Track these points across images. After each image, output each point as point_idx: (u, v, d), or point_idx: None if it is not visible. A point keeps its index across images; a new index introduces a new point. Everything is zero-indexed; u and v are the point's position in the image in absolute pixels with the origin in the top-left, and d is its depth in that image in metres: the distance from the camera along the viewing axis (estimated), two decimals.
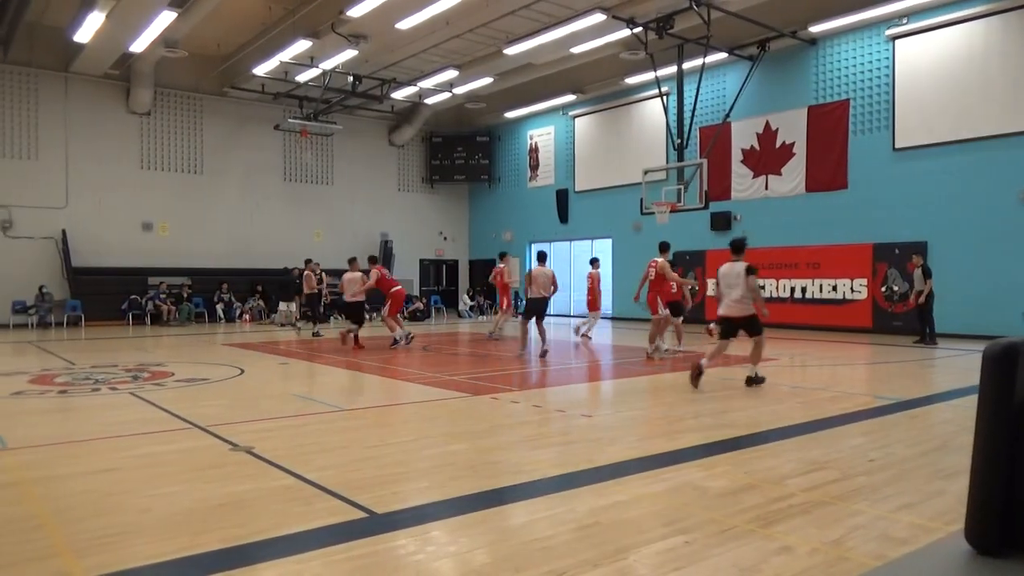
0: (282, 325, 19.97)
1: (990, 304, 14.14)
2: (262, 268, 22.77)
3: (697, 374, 8.22)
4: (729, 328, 8.60)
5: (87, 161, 20.69)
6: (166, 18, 15.58)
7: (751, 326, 8.58)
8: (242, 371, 10.29)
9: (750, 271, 8.43)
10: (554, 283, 12.18)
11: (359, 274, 14.11)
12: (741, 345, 12.24)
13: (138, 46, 17.48)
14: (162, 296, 20.58)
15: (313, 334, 16.26)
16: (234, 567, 3.25)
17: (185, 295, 21.05)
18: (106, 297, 20.16)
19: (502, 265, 16.38)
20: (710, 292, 18.47)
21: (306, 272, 17.01)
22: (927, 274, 13.51)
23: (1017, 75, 14.17)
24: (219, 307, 21.47)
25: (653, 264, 12.13)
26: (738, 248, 8.75)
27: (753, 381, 8.47)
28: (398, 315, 14.47)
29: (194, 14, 16.45)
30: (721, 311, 8.68)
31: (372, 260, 14.71)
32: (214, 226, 22.74)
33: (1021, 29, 14.15)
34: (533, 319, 12.18)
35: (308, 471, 4.80)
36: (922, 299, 13.44)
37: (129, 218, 21.37)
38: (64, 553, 3.40)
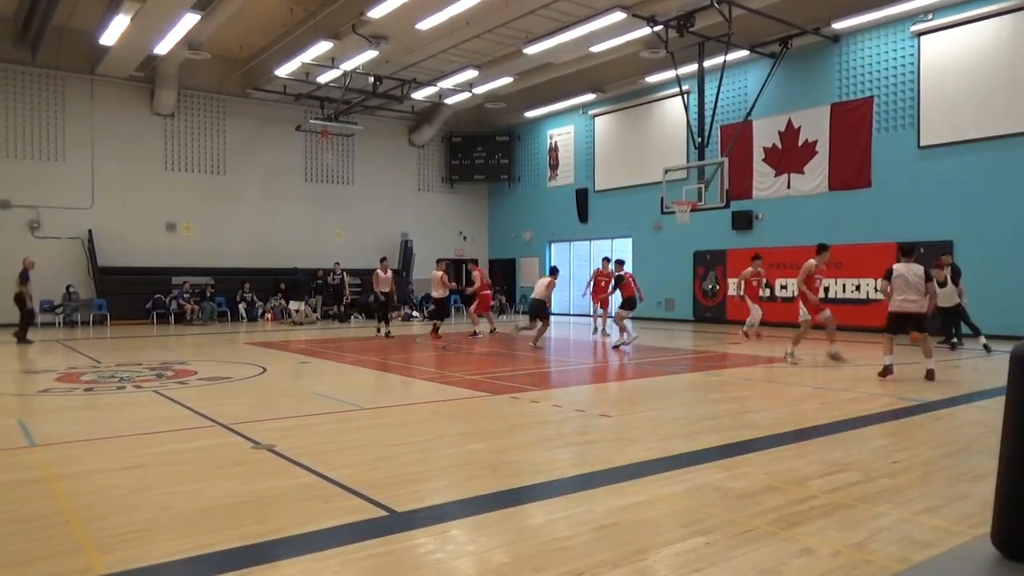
0: (298, 324, 20.14)
1: (1018, 304, 13.90)
2: (284, 268, 22.96)
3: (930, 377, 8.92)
4: (901, 324, 9.14)
5: (112, 162, 20.98)
6: (189, 20, 15.77)
7: (922, 322, 9.16)
8: (264, 370, 10.38)
9: (929, 276, 9.16)
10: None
11: (440, 273, 16.19)
12: (762, 347, 12.13)
13: (162, 48, 17.70)
14: (185, 295, 20.81)
15: (385, 335, 16.17)
16: (254, 564, 3.28)
17: (208, 294, 21.27)
18: (131, 296, 20.43)
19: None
20: (731, 292, 18.35)
21: (376, 272, 16.66)
22: (957, 275, 13.01)
23: None
24: (241, 306, 21.68)
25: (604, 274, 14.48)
26: (907, 251, 9.33)
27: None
28: (487, 312, 16.71)
29: (217, 16, 16.63)
30: (896, 308, 9.12)
31: (474, 264, 17.28)
32: (236, 226, 22.96)
33: None
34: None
35: (328, 469, 4.83)
36: (964, 300, 12.94)
37: (153, 218, 21.64)
38: (88, 548, 3.45)
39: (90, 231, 20.43)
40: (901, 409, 7.23)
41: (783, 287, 18.27)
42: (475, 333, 15.99)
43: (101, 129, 20.82)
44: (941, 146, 15.47)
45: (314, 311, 22.08)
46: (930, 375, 8.96)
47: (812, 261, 11.34)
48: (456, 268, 28.38)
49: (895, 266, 9.25)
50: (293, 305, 20.84)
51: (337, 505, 4.11)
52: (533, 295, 14.03)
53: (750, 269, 14.46)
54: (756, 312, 14.45)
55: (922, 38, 15.75)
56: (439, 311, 16.57)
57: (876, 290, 16.28)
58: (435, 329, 15.89)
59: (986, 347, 12.31)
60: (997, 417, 1.28)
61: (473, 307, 16.36)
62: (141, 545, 3.50)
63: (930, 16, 15.50)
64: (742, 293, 14.45)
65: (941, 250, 14.63)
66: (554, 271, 15.05)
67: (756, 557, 3.32)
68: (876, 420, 6.66)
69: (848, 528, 3.72)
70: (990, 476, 1.28)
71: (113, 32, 16.36)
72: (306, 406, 7.47)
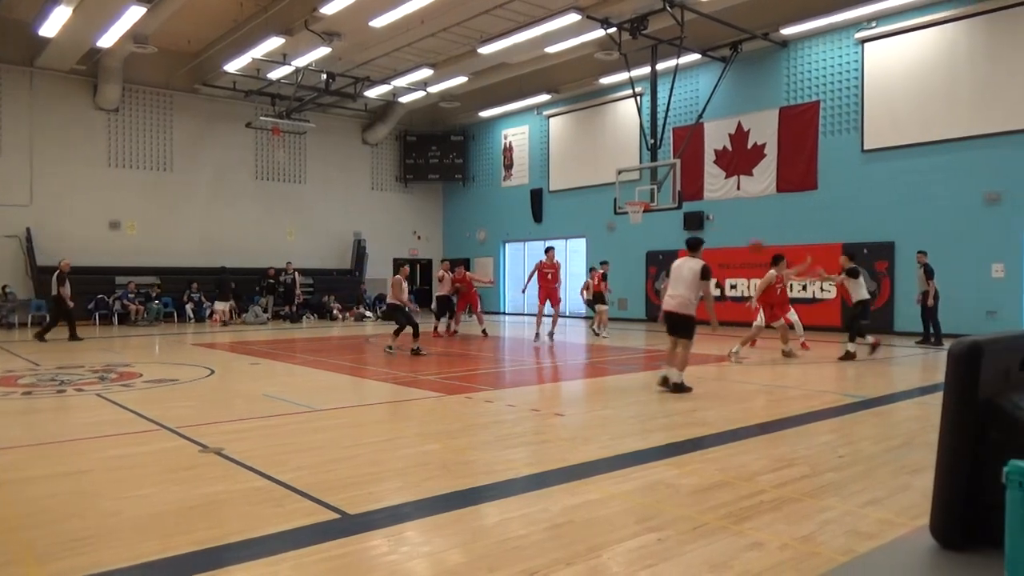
0: (224, 324, 19.73)
1: (955, 303, 14.42)
2: (233, 267, 22.52)
3: (666, 384, 8.04)
4: (671, 324, 8.23)
5: (52, 158, 20.28)
6: (135, 13, 15.32)
7: (685, 328, 8.11)
8: (212, 371, 10.16)
9: (706, 274, 8.02)
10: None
11: (442, 273, 16.17)
12: (711, 345, 12.36)
13: (106, 41, 17.17)
14: (130, 296, 20.25)
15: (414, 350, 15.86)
16: (205, 570, 3.21)
17: (154, 295, 20.73)
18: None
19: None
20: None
21: (440, 273, 16.42)
22: (929, 274, 13.34)
23: (982, 79, 14.48)
24: (189, 307, 21.17)
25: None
26: (694, 246, 8.37)
27: (679, 388, 7.97)
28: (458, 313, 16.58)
29: (164, 9, 16.19)
30: (664, 306, 8.31)
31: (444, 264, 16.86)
32: (184, 225, 22.42)
33: (986, 34, 14.46)
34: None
35: (280, 472, 4.75)
36: (929, 300, 13.28)
37: (96, 216, 21.00)
38: (26, 559, 3.34)
39: (28, 229, 19.71)
40: (845, 405, 7.44)
41: (733, 287, 18.62)
42: (454, 332, 16.07)
43: (41, 124, 20.11)
44: (884, 150, 15.97)
45: (265, 311, 21.71)
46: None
47: (772, 272, 11.63)
48: (410, 269, 28.23)
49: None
50: (219, 306, 20.36)
51: (289, 508, 4.05)
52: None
53: (773, 272, 11.89)
54: (794, 320, 12.31)
55: (866, 45, 16.23)
56: (442, 309, 16.28)
57: (822, 289, 16.72)
58: (435, 329, 15.95)
59: (925, 343, 12.82)
60: (936, 412, 1.34)
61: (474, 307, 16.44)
62: (86, 554, 3.39)
63: (874, 24, 15.98)
64: (757, 304, 12.12)
65: (884, 251, 15.10)
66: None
67: (707, 552, 3.38)
68: (821, 416, 6.85)
69: (796, 521, 3.81)
70: (930, 469, 1.34)
71: (54, 23, 15.81)
72: (256, 408, 7.34)
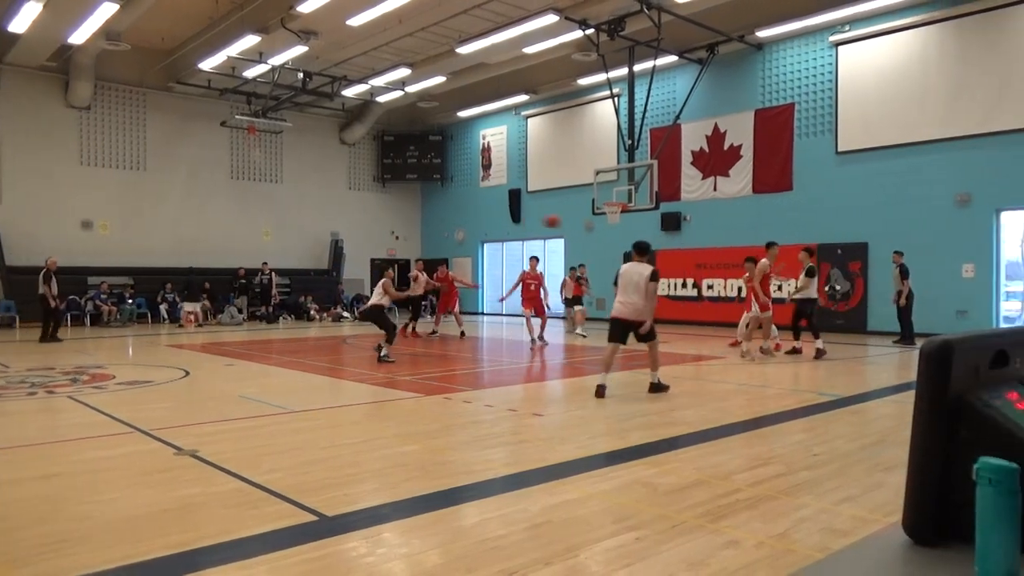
0: (198, 325, 19.48)
1: (927, 303, 14.65)
2: (208, 267, 22.26)
3: (602, 393, 7.82)
4: (619, 330, 8.06)
5: (22, 156, 19.91)
6: (108, 9, 15.08)
7: (648, 332, 8.01)
8: (187, 373, 10.04)
9: (655, 276, 7.95)
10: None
11: (415, 273, 16.01)
12: (689, 345, 12.44)
13: (78, 38, 16.89)
14: (103, 296, 19.94)
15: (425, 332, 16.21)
16: (179, 574, 3.17)
17: (127, 295, 20.43)
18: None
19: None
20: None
21: (414, 273, 16.26)
22: (904, 274, 13.56)
23: (953, 83, 14.72)
24: (163, 307, 20.90)
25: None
26: (643, 250, 8.30)
27: (657, 388, 8.01)
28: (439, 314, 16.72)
29: (137, 6, 15.96)
30: (614, 312, 8.14)
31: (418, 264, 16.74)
32: (158, 224, 22.13)
33: (956, 38, 14.70)
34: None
35: (256, 474, 4.71)
36: (902, 300, 13.51)
37: (67, 216, 20.66)
38: None
39: None
40: (820, 404, 7.53)
41: (710, 287, 18.76)
42: (432, 333, 16.03)
43: (10, 121, 19.74)
44: (857, 152, 16.18)
45: (240, 312, 21.48)
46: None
47: (765, 261, 11.78)
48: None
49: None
50: (188, 307, 20.06)
51: (265, 511, 4.02)
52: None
53: (766, 260, 11.96)
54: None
55: (840, 48, 16.43)
56: (416, 310, 16.59)
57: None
58: (413, 328, 16.05)
59: (902, 342, 13.10)
60: (908, 411, 1.35)
61: (451, 306, 16.35)
62: (57, 558, 3.34)
63: (847, 27, 16.19)
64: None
65: (858, 251, 15.29)
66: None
67: (684, 550, 3.40)
68: (797, 415, 6.92)
69: (771, 520, 3.85)
70: (903, 467, 1.35)
71: (24, 19, 15.52)
72: (232, 410, 7.26)
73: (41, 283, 15.01)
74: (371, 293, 15.36)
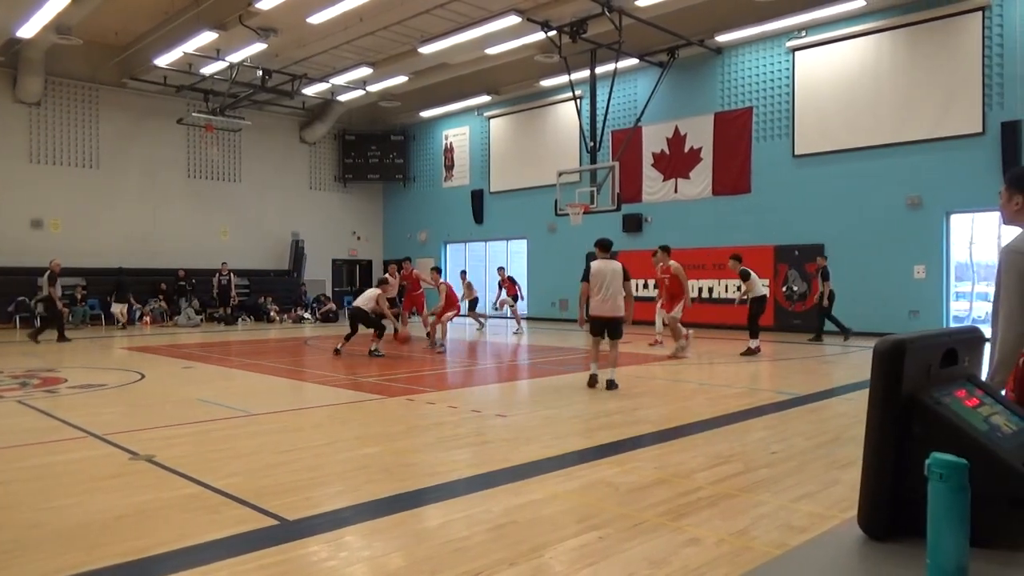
0: (120, 327, 19.07)
1: (880, 302, 15.03)
2: (164, 268, 21.79)
3: (594, 383, 8.44)
4: (600, 327, 8.46)
5: None
6: (58, 3, 14.66)
7: (618, 329, 8.43)
8: (143, 376, 9.81)
9: (628, 276, 8.41)
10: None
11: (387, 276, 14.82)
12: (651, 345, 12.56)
13: (27, 31, 16.38)
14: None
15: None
16: None
17: (79, 296, 19.89)
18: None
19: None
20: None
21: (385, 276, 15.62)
22: (825, 276, 14.31)
23: (905, 89, 15.12)
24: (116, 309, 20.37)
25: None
26: (606, 246, 8.73)
27: (613, 385, 8.26)
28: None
29: (89, 0, 15.57)
30: (596, 311, 8.43)
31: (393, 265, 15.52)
32: (111, 224, 21.59)
33: (907, 46, 15.10)
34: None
35: (215, 479, 4.62)
36: (825, 301, 14.25)
37: (17, 214, 20.04)
38: None
39: None
40: (778, 403, 7.67)
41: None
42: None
43: None
44: (814, 155, 16.52)
45: (198, 313, 21.08)
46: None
47: (673, 262, 12.16)
48: (349, 270, 27.84)
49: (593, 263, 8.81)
50: (115, 308, 19.51)
51: (224, 516, 3.95)
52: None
53: (674, 263, 12.59)
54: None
55: (797, 54, 16.76)
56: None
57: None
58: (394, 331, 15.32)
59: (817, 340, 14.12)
60: (864, 408, 1.39)
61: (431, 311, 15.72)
62: (6, 567, 3.23)
63: (803, 33, 16.52)
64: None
65: (815, 253, 15.62)
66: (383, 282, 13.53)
67: (646, 549, 3.44)
68: (756, 414, 7.04)
69: (731, 517, 3.91)
70: (858, 464, 1.38)
71: None
72: (190, 413, 7.12)
73: (47, 285, 15.15)
74: (331, 294, 14.93)
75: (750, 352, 11.90)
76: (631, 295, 8.52)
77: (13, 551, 3.44)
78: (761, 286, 12.53)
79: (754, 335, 12.00)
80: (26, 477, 4.80)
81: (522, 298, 18.69)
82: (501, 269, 19.11)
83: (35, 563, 3.29)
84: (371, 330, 12.15)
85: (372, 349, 11.95)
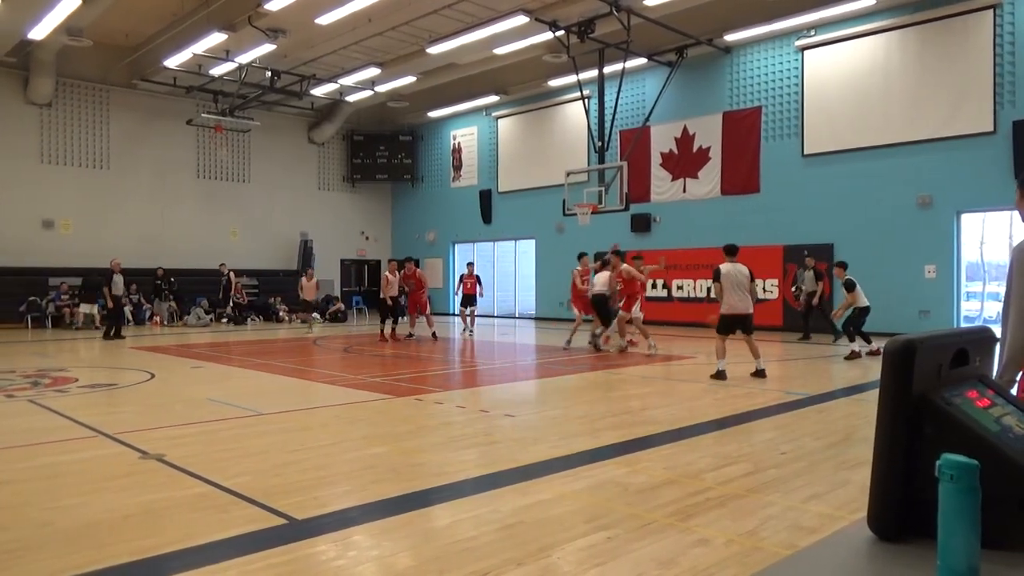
0: (77, 328, 18.82)
1: (891, 302, 14.94)
2: (174, 268, 21.89)
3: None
4: (735, 324, 9.44)
5: None
6: (69, 4, 14.76)
7: (750, 324, 9.60)
8: (152, 375, 9.86)
9: (753, 277, 9.62)
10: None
11: (387, 274, 15.93)
12: (660, 345, 12.51)
13: (38, 33, 16.50)
14: (64, 297, 19.49)
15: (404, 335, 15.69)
16: None
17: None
18: (2, 299, 18.95)
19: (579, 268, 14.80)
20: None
21: (386, 274, 15.78)
22: (819, 277, 14.40)
23: (915, 87, 15.03)
24: (127, 309, 20.48)
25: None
26: (733, 251, 9.70)
27: (763, 374, 9.30)
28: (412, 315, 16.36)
29: (100, 2, 15.66)
30: (732, 310, 9.41)
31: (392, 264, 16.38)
32: (122, 224, 21.70)
33: (918, 44, 15.02)
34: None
35: (224, 478, 4.64)
36: (815, 300, 14.39)
37: (28, 215, 20.18)
38: None
39: None
40: (787, 403, 7.64)
41: (680, 288, 18.92)
42: (410, 334, 15.76)
43: None
44: (823, 155, 16.44)
45: (207, 313, 21.16)
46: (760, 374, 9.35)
47: (625, 265, 12.31)
48: (358, 270, 27.90)
49: (722, 266, 9.47)
50: (83, 308, 18.98)
51: (233, 515, 3.96)
52: (594, 290, 12.96)
53: (627, 266, 12.45)
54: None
55: (806, 52, 16.68)
56: (385, 312, 15.70)
57: (764, 291, 17.10)
58: (392, 331, 15.44)
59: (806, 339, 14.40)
60: (873, 409, 1.38)
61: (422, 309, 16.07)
62: (13, 567, 3.25)
63: (813, 32, 16.45)
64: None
65: (824, 252, 15.56)
66: (605, 263, 13.34)
67: (655, 549, 3.43)
68: (765, 414, 7.01)
69: (740, 518, 3.89)
70: (867, 464, 1.38)
71: None
72: (199, 413, 7.15)
73: (107, 283, 15.81)
74: (340, 294, 15.56)
75: (854, 356, 11.53)
76: (755, 294, 9.74)
77: (22, 549, 3.46)
78: (864, 297, 12.15)
79: (852, 339, 11.98)
80: (36, 476, 4.83)
81: (482, 295, 17.95)
82: (471, 265, 18.28)
83: (44, 562, 3.31)
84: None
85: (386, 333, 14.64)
